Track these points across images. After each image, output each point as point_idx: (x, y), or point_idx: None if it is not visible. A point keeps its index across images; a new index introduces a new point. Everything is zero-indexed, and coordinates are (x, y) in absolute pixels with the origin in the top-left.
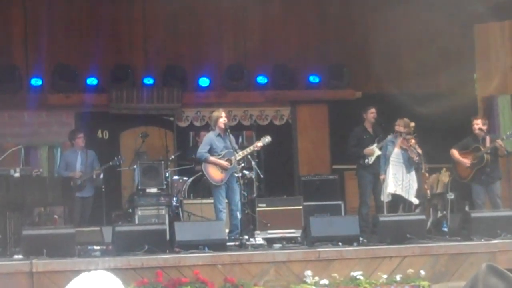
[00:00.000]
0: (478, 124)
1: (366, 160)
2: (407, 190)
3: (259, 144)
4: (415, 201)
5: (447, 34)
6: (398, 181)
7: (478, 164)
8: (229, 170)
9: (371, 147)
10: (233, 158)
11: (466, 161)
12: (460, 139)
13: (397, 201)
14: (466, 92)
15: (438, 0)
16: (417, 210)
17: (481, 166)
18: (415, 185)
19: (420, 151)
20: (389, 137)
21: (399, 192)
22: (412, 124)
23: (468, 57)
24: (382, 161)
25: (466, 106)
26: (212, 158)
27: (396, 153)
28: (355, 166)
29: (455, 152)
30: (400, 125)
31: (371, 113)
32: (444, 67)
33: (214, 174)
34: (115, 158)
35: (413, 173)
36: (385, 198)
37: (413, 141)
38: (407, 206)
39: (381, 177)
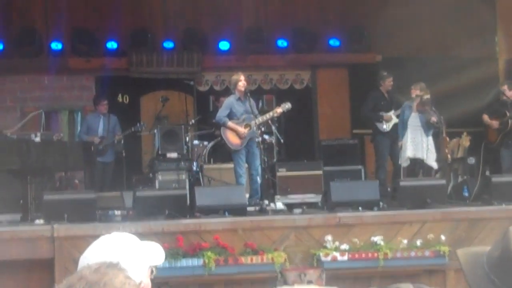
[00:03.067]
0: (505, 89)
1: (384, 127)
2: (425, 153)
3: (279, 110)
4: (435, 165)
5: None
6: (418, 144)
7: (503, 130)
8: (248, 134)
9: (389, 113)
10: (252, 123)
11: (494, 123)
12: (481, 104)
13: (415, 166)
14: (488, 56)
15: None
16: (438, 175)
17: (506, 132)
18: (433, 149)
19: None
20: (406, 102)
21: (418, 155)
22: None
23: (491, 22)
24: (400, 127)
25: (487, 70)
26: (230, 123)
27: (413, 117)
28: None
29: (485, 116)
30: (416, 89)
31: (389, 82)
32: (466, 31)
33: (233, 138)
34: (137, 124)
35: (430, 137)
36: (403, 162)
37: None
38: (426, 170)
39: (399, 143)
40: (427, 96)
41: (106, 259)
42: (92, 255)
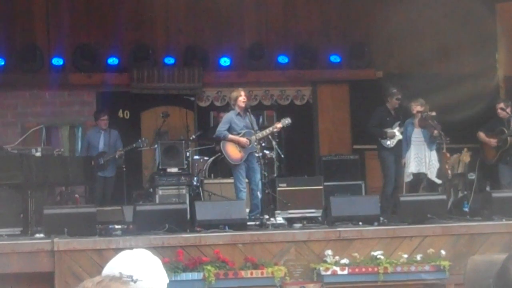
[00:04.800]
0: (501, 107)
1: (388, 143)
2: (429, 168)
3: (279, 125)
4: (437, 181)
5: (470, 13)
6: (421, 159)
7: (502, 147)
8: (248, 149)
9: (393, 130)
10: (252, 138)
11: (492, 141)
12: (482, 119)
13: (418, 181)
14: (489, 73)
15: None
16: (438, 190)
17: (505, 149)
18: (436, 165)
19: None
20: (408, 120)
21: (422, 170)
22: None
23: (491, 38)
24: (404, 144)
25: (488, 87)
26: (231, 136)
27: (416, 133)
28: (376, 146)
29: (481, 134)
30: (416, 105)
31: (397, 99)
32: (467, 47)
33: (233, 153)
34: (139, 140)
35: (434, 152)
36: (405, 178)
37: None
38: (429, 185)
39: (403, 160)
40: (433, 113)
41: (134, 272)
42: (121, 267)
